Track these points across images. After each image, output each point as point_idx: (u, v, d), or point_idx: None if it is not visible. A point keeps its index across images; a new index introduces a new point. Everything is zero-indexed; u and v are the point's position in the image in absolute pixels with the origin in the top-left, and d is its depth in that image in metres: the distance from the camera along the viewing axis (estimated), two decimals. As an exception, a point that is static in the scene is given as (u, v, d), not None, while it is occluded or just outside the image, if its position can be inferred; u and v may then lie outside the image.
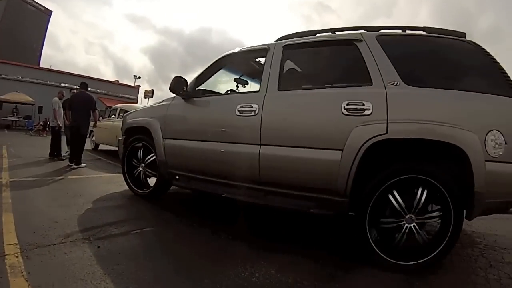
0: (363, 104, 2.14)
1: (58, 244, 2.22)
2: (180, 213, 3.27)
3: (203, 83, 3.38)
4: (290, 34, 2.95)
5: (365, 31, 2.53)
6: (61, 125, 7.06)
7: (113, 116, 8.49)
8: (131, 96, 29.69)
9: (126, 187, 3.97)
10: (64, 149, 7.18)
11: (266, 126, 2.56)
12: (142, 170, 3.70)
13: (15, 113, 21.78)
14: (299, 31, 2.96)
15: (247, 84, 4.11)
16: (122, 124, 4.12)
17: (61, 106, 7.08)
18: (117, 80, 32.31)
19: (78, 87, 6.59)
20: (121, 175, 5.34)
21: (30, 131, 17.47)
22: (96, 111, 6.46)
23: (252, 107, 2.64)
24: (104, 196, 3.80)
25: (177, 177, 3.31)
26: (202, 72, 3.34)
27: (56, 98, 7.20)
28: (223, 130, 2.85)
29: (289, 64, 2.93)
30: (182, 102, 3.26)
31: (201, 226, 2.88)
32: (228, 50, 3.35)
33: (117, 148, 8.05)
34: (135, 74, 32.74)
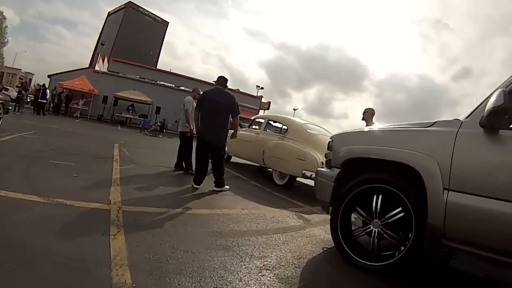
0: None
1: None
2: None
3: None
4: None
5: None
6: (194, 131, 5.90)
7: (254, 127, 7.42)
8: (252, 106, 28.53)
9: (317, 240, 2.90)
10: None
11: None
12: (377, 230, 2.38)
13: (131, 111, 22.40)
14: None
15: None
16: (331, 150, 2.92)
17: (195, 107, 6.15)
18: (238, 89, 32.23)
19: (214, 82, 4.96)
20: (287, 212, 4.03)
21: (145, 130, 17.13)
22: (237, 116, 4.72)
23: None
24: (306, 265, 2.39)
25: (447, 251, 2.06)
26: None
27: (189, 97, 6.00)
28: None
29: None
30: (481, 132, 1.98)
31: None
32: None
33: (258, 164, 6.67)
34: (258, 85, 32.54)
